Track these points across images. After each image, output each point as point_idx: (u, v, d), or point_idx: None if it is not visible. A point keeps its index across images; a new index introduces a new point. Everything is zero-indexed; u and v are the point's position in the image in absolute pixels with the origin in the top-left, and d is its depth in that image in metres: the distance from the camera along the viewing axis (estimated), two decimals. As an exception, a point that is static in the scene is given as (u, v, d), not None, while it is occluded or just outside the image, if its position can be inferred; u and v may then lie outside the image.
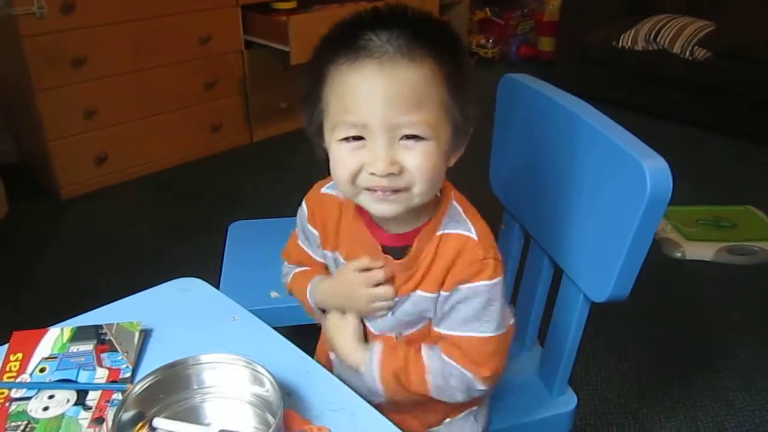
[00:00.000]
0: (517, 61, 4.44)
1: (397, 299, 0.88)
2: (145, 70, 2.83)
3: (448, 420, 1.00)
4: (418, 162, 0.76)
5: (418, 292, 0.86)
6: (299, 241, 1.00)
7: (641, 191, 0.87)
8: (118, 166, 2.86)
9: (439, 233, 0.85)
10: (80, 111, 2.68)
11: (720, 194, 2.73)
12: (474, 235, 0.85)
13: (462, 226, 0.85)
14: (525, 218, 1.22)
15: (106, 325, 0.94)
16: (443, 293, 0.85)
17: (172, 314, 0.97)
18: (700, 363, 1.89)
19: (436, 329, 0.88)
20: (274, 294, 1.45)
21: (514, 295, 1.30)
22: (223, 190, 2.85)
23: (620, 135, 0.95)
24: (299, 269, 1.01)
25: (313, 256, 0.99)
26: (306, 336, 1.08)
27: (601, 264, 0.97)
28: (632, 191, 0.88)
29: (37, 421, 0.80)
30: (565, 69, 3.73)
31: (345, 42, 0.76)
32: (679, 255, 2.36)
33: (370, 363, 0.88)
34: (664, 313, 2.10)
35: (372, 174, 0.77)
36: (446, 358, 0.86)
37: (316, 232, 0.95)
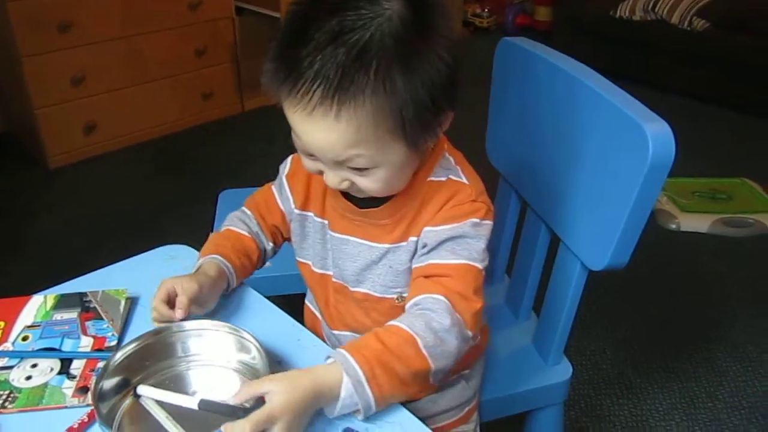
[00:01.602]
0: (513, 31, 4.37)
1: (388, 247, 0.85)
2: (133, 36, 2.76)
3: (439, 387, 0.98)
4: (369, 185, 0.77)
5: (411, 239, 0.84)
6: (273, 187, 0.97)
7: (643, 156, 0.84)
8: (108, 135, 2.81)
9: (428, 180, 0.84)
10: (68, 78, 2.62)
11: (716, 166, 2.71)
12: (465, 180, 0.84)
13: (452, 173, 0.84)
14: (522, 186, 1.19)
15: (90, 292, 0.91)
16: (432, 228, 0.82)
17: (159, 282, 0.94)
18: (694, 334, 1.89)
19: (421, 263, 0.83)
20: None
21: (510, 265, 1.28)
22: (214, 160, 2.81)
23: (622, 98, 0.92)
24: (229, 228, 0.97)
25: (279, 203, 0.96)
26: (297, 304, 1.06)
27: (599, 231, 0.95)
28: (634, 156, 0.86)
29: (19, 390, 0.78)
30: (562, 39, 3.68)
31: (281, 70, 0.71)
32: (674, 227, 2.35)
33: (345, 362, 0.72)
34: (659, 284, 2.09)
35: None
36: (431, 300, 0.78)
37: (288, 190, 0.94)
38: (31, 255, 2.21)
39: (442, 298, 0.78)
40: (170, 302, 0.83)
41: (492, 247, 1.29)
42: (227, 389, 0.76)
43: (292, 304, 1.03)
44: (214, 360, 0.80)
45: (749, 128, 3.12)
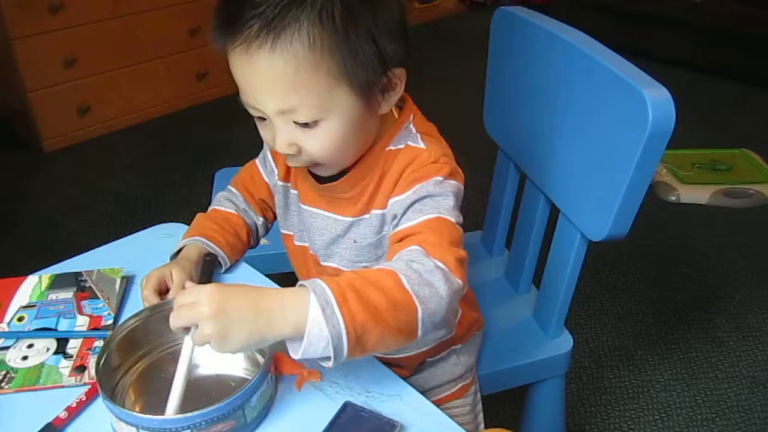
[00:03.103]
0: (510, 4, 4.32)
1: (351, 220, 0.83)
2: (125, 16, 2.73)
3: (429, 360, 0.97)
4: (318, 145, 0.74)
5: (373, 212, 0.82)
6: (257, 161, 0.97)
7: (642, 123, 0.83)
8: (102, 117, 2.79)
9: (386, 150, 0.81)
10: (60, 60, 2.59)
11: (716, 137, 2.69)
12: (422, 146, 0.79)
13: (411, 140, 0.80)
14: (520, 157, 1.18)
15: (86, 271, 0.90)
16: (397, 198, 0.78)
17: (155, 260, 0.92)
18: (695, 305, 1.89)
19: (393, 232, 0.78)
20: (263, 241, 1.42)
21: (509, 238, 1.27)
22: (209, 140, 2.79)
23: (620, 65, 0.90)
24: (215, 208, 0.97)
25: (264, 177, 0.96)
26: (291, 284, 1.05)
27: (599, 201, 0.93)
28: (633, 123, 0.84)
29: (16, 370, 0.77)
30: (558, 10, 3.64)
31: (222, 15, 0.71)
32: (673, 198, 2.34)
33: (312, 284, 0.65)
34: (659, 256, 2.09)
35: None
36: (406, 252, 0.73)
37: (272, 162, 0.93)
38: (26, 237, 2.20)
39: (416, 247, 0.72)
40: (160, 292, 0.83)
41: (491, 220, 1.30)
42: (232, 362, 0.76)
43: (290, 282, 1.02)
44: None
45: (749, 99, 3.09)
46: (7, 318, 0.84)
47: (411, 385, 0.76)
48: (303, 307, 0.63)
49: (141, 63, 2.85)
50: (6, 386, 0.75)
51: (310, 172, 0.85)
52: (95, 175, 2.56)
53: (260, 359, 0.75)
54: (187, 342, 0.67)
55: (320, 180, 0.84)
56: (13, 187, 2.49)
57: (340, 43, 0.69)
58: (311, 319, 0.63)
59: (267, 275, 0.93)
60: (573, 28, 1.02)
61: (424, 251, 0.71)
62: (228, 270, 0.93)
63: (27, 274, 0.91)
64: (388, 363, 0.88)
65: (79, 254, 0.97)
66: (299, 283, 0.67)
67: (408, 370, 0.96)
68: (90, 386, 0.74)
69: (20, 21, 2.44)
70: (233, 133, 2.80)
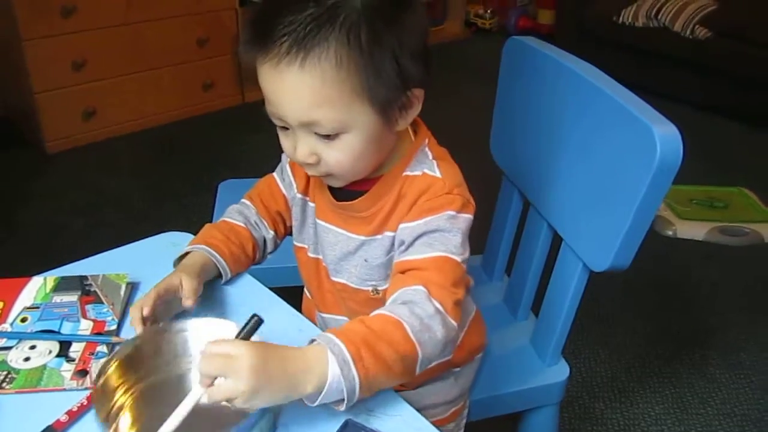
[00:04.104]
0: (515, 33, 4.35)
1: (364, 239, 0.85)
2: (137, 23, 2.75)
3: (427, 380, 0.98)
4: (337, 157, 0.77)
5: (385, 233, 0.84)
6: (275, 174, 0.99)
7: (650, 157, 0.84)
8: (107, 122, 2.80)
9: (403, 175, 0.83)
10: (68, 63, 2.61)
11: (714, 175, 2.71)
12: (438, 174, 0.83)
13: (427, 167, 0.83)
14: (525, 184, 1.19)
15: (91, 276, 0.91)
16: (407, 224, 0.81)
17: (159, 268, 0.93)
18: (688, 340, 1.89)
19: (399, 260, 0.82)
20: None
21: (510, 264, 1.28)
22: (213, 150, 2.80)
23: (630, 100, 0.92)
24: (224, 219, 0.98)
25: (282, 189, 0.97)
26: (296, 295, 1.05)
27: (602, 232, 0.95)
28: (641, 157, 0.86)
29: (17, 371, 0.77)
30: (564, 43, 3.67)
31: (255, 30, 0.74)
32: (670, 233, 2.35)
33: (330, 342, 0.69)
34: (654, 289, 2.10)
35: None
36: (410, 291, 0.76)
37: (291, 175, 0.95)
38: (27, 238, 2.20)
39: (420, 287, 0.76)
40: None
41: (492, 245, 1.31)
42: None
43: (291, 296, 1.03)
44: None
45: (748, 138, 3.13)
46: (11, 318, 0.85)
47: (406, 400, 0.76)
48: (324, 368, 0.67)
49: (149, 70, 2.87)
50: (7, 386, 0.75)
51: (330, 190, 0.87)
52: (97, 179, 2.56)
53: None
54: (197, 391, 0.66)
55: (338, 197, 0.86)
56: (14, 187, 2.49)
57: (366, 63, 0.72)
58: (330, 378, 0.67)
59: (270, 288, 0.93)
60: (583, 60, 1.04)
61: (427, 293, 0.76)
62: (230, 282, 0.93)
63: (31, 275, 0.92)
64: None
65: (77, 256, 0.97)
66: (314, 339, 0.70)
67: (409, 385, 0.97)
68: (91, 391, 0.74)
69: (32, 22, 2.46)
70: (237, 144, 2.82)
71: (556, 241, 1.09)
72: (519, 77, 1.18)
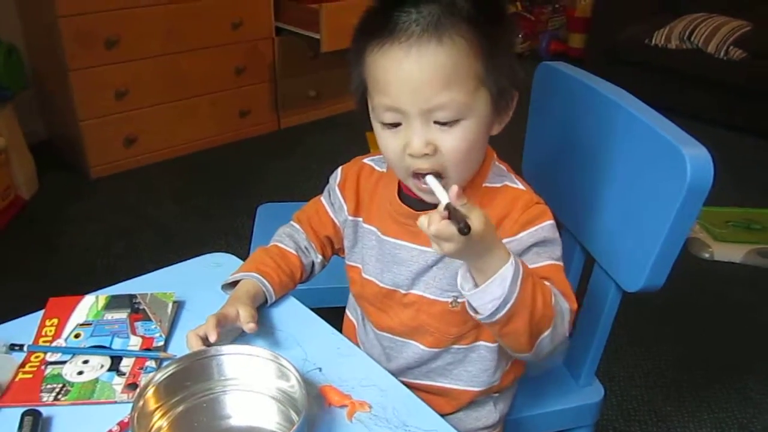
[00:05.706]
0: (547, 57, 4.39)
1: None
2: (176, 54, 2.85)
3: (470, 402, 0.98)
4: (454, 145, 0.79)
5: None
6: (322, 198, 1.01)
7: (681, 180, 0.86)
8: (147, 148, 2.89)
9: (483, 186, 0.87)
10: (112, 92, 2.71)
11: (751, 196, 2.69)
12: (520, 186, 0.88)
13: (507, 180, 0.88)
14: (557, 206, 1.19)
15: (140, 294, 0.95)
16: (513, 238, 0.83)
17: (204, 287, 0.97)
18: (726, 364, 1.87)
19: None
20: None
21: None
22: (249, 176, 2.87)
23: (660, 123, 0.94)
24: (276, 244, 1.00)
25: (330, 214, 0.99)
26: (335, 318, 1.08)
27: (635, 252, 0.96)
28: (672, 180, 0.87)
29: (72, 384, 0.81)
30: (596, 66, 3.67)
31: (376, 24, 0.78)
32: (707, 255, 2.33)
33: (515, 260, 0.74)
34: (690, 312, 2.07)
35: (411, 155, 0.79)
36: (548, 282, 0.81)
37: (341, 198, 0.97)
38: (72, 259, 2.27)
39: (553, 287, 0.80)
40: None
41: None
42: (263, 416, 0.77)
43: (328, 317, 1.05)
44: (253, 386, 0.78)
45: (785, 159, 3.09)
46: (65, 334, 0.89)
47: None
48: (501, 260, 0.72)
49: (187, 98, 2.95)
50: (62, 398, 0.79)
51: (403, 201, 0.88)
52: (137, 203, 2.64)
53: (294, 417, 0.74)
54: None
55: (416, 207, 0.86)
56: (57, 209, 2.58)
57: (491, 49, 0.77)
58: (500, 275, 0.71)
59: (312, 309, 0.96)
60: (613, 83, 1.06)
61: (560, 292, 0.80)
62: (273, 304, 0.96)
63: (83, 294, 0.96)
64: (437, 393, 0.91)
65: (118, 278, 1.01)
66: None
67: (451, 405, 0.97)
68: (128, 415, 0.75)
69: (78, 54, 2.57)
70: (272, 169, 2.88)
71: (589, 262, 1.11)
72: (550, 102, 1.20)
